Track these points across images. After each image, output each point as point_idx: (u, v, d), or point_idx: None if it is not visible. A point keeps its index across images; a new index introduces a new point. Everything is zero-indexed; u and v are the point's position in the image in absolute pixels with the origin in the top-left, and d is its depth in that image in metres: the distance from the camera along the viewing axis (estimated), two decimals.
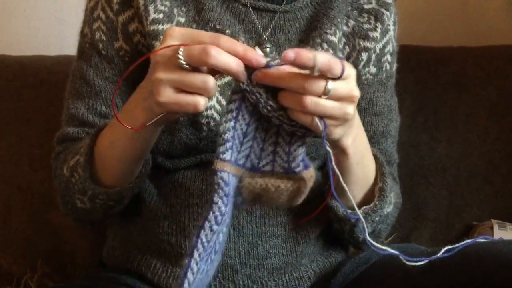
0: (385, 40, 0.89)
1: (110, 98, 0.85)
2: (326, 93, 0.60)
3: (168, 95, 0.62)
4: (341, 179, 0.64)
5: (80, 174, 0.79)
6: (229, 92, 0.63)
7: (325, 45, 0.83)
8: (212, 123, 0.81)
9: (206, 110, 0.80)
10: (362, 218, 0.67)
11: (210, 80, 0.62)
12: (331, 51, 0.84)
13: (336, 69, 0.59)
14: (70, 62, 0.91)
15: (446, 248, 0.68)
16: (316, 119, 0.61)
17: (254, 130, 0.63)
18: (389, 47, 0.90)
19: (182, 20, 0.82)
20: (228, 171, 0.61)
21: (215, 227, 0.59)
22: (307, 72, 0.59)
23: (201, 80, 0.61)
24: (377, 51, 0.88)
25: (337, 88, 0.61)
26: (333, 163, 0.62)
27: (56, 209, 0.90)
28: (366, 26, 0.87)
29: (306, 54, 0.58)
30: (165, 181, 0.84)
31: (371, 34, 0.87)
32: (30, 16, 1.37)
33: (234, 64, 0.60)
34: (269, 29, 0.84)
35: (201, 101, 0.62)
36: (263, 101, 0.61)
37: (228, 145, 0.61)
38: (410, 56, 1.25)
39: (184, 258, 0.59)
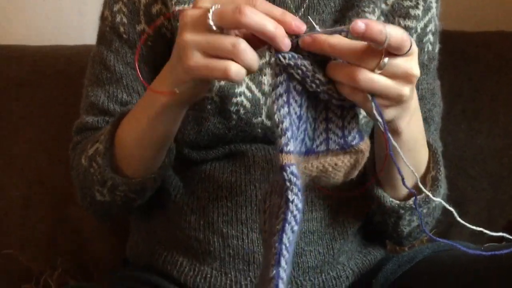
0: (427, 18, 0.84)
1: (132, 85, 0.81)
2: (380, 67, 0.55)
3: (196, 59, 0.57)
4: (406, 162, 0.58)
5: (99, 163, 0.74)
6: (271, 73, 0.57)
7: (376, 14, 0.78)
8: (242, 111, 0.76)
9: (236, 96, 0.75)
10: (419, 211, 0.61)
11: (241, 43, 0.56)
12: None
13: (406, 46, 0.54)
14: (89, 52, 0.87)
15: None
16: (368, 96, 0.56)
17: (306, 110, 0.59)
18: (431, 26, 0.85)
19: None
20: (295, 163, 0.55)
21: (296, 228, 0.54)
22: (364, 43, 0.55)
23: (230, 42, 0.56)
24: (419, 30, 0.83)
25: (395, 64, 0.55)
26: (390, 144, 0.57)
27: (77, 204, 0.87)
28: (407, 3, 0.81)
29: (377, 27, 0.52)
30: (192, 174, 0.80)
31: (412, 12, 0.81)
32: (48, 5, 1.35)
33: (271, 25, 0.55)
34: (302, 9, 0.80)
35: (231, 67, 0.56)
36: (310, 75, 0.56)
37: (289, 134, 0.55)
38: (446, 41, 1.20)
39: (267, 269, 0.53)
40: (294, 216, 0.54)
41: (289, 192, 0.54)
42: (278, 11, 0.55)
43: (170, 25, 0.78)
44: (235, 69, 0.56)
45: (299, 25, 0.55)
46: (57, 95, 1.14)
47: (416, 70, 0.57)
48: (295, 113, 0.57)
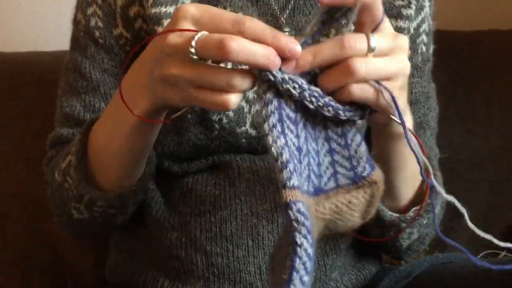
0: (420, 18, 0.80)
1: (110, 93, 0.77)
2: (372, 49, 0.52)
3: (184, 94, 0.53)
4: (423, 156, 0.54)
5: (73, 176, 0.70)
6: (254, 93, 0.53)
7: (352, 27, 0.73)
8: (224, 120, 0.72)
9: None
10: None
11: (236, 79, 0.51)
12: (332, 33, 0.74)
13: (380, 8, 0.52)
14: None
15: None
16: (376, 84, 0.52)
17: (305, 142, 0.52)
18: (425, 26, 0.81)
19: (188, 1, 0.72)
20: (302, 201, 0.48)
21: (306, 278, 0.46)
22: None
23: (223, 80, 0.51)
24: (412, 31, 0.79)
25: (381, 41, 0.53)
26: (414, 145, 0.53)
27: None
28: (399, 2, 0.78)
29: None
30: (172, 187, 0.76)
31: (404, 11, 0.77)
32: (27, 10, 1.32)
33: (261, 57, 0.50)
34: (287, 11, 0.76)
35: (231, 99, 0.51)
36: (306, 88, 0.51)
37: (291, 167, 0.48)
38: (438, 41, 1.17)
39: None
40: (304, 263, 0.45)
41: (297, 234, 0.46)
42: (268, 35, 0.50)
43: (149, 28, 0.74)
44: (236, 100, 0.52)
45: (293, 51, 0.50)
46: (35, 104, 1.10)
47: (401, 38, 0.54)
48: (293, 144, 0.51)
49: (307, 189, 0.52)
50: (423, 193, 0.68)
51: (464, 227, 1.19)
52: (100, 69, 0.77)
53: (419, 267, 0.75)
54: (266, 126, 0.50)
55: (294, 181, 0.48)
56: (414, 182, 0.70)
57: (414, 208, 0.70)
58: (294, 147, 0.51)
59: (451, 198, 0.56)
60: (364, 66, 0.51)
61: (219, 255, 0.71)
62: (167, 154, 0.75)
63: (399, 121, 0.53)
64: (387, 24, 0.54)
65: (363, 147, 0.54)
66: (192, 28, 0.51)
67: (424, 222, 0.73)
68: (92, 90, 0.77)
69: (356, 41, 0.52)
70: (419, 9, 0.79)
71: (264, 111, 0.50)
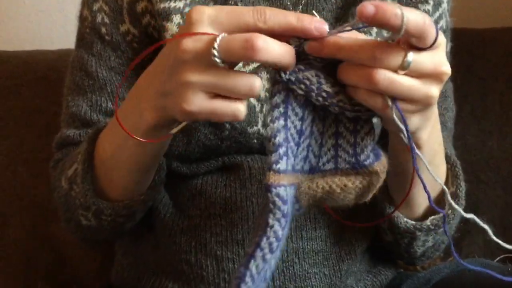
0: (437, 14, 0.77)
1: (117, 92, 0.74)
2: (404, 67, 0.47)
3: (199, 103, 0.50)
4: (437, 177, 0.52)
5: (79, 186, 0.67)
6: (267, 77, 0.52)
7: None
8: None
9: None
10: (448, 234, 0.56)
11: (257, 83, 0.49)
12: (375, 29, 0.71)
13: (431, 34, 0.46)
14: None
15: None
16: (389, 101, 0.48)
17: (311, 123, 0.52)
18: (442, 23, 0.78)
19: None
20: (286, 184, 0.49)
21: (268, 256, 0.49)
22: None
23: (247, 84, 0.49)
24: None
25: (421, 61, 0.48)
26: (416, 163, 0.50)
27: (59, 222, 0.81)
28: None
29: (391, 8, 0.44)
30: (181, 189, 0.73)
31: (421, 7, 0.75)
32: (31, 8, 1.30)
33: (287, 56, 0.48)
34: (300, 6, 0.73)
35: (241, 108, 0.50)
36: (315, 88, 0.49)
37: (282, 150, 0.49)
38: (451, 39, 1.15)
39: None
40: (270, 244, 0.48)
41: (270, 216, 0.49)
42: (293, 18, 0.48)
43: (158, 24, 0.72)
44: (244, 111, 0.50)
45: (320, 28, 0.47)
46: (39, 103, 1.08)
47: (446, 66, 0.50)
48: (294, 126, 0.50)
49: (301, 168, 0.52)
50: (441, 200, 0.66)
51: (477, 230, 1.17)
52: (106, 67, 0.75)
53: (438, 273, 0.72)
54: (269, 103, 0.50)
55: (281, 165, 0.49)
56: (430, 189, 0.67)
57: (432, 218, 0.67)
58: (295, 130, 0.51)
59: (470, 216, 0.54)
60: (387, 81, 0.47)
61: (230, 260, 0.69)
62: (175, 154, 0.72)
63: (407, 142, 0.51)
64: (440, 40, 0.48)
65: (372, 136, 0.52)
66: (210, 30, 0.49)
67: (440, 230, 0.70)
68: (98, 89, 0.75)
69: (389, 56, 0.47)
70: (437, 5, 0.77)
71: (271, 90, 0.50)
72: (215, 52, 0.47)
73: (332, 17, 0.73)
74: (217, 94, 0.50)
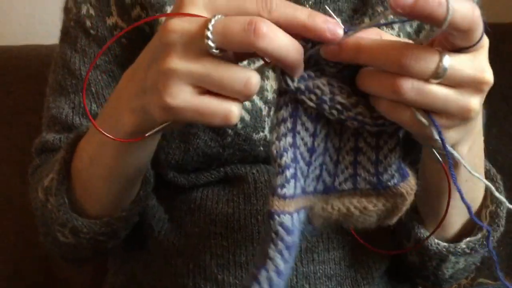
0: None
1: (103, 93, 0.69)
2: (438, 75, 0.40)
3: (184, 97, 0.42)
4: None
5: (53, 198, 0.62)
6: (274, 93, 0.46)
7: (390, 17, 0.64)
8: (239, 125, 0.64)
9: None
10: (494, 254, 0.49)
11: (254, 79, 0.42)
12: (398, 23, 0.65)
13: (479, 29, 0.39)
14: None
15: None
16: (419, 116, 0.41)
17: (324, 139, 0.46)
18: None
19: None
20: (293, 211, 0.44)
21: None
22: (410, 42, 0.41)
23: (242, 79, 0.42)
24: None
25: (459, 67, 0.41)
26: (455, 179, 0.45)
27: None
28: None
29: None
30: (178, 203, 0.68)
31: None
32: (25, 1, 1.28)
33: (294, 52, 0.41)
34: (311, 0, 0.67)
35: (234, 110, 0.43)
36: (327, 99, 0.43)
37: (289, 172, 0.44)
38: None
39: None
40: (269, 279, 0.44)
41: (271, 246, 0.44)
42: (303, 14, 0.41)
43: (149, 16, 0.66)
44: (238, 114, 0.43)
45: (333, 30, 0.41)
46: (31, 101, 1.04)
47: (488, 73, 0.42)
48: (304, 144, 0.45)
49: (313, 189, 0.48)
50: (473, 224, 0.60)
51: (505, 242, 1.11)
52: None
53: None
54: (274, 118, 0.45)
55: (288, 189, 0.44)
56: (465, 208, 0.60)
57: (467, 240, 0.61)
58: (305, 148, 0.46)
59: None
60: (415, 91, 0.41)
61: (232, 285, 0.64)
62: (172, 163, 0.67)
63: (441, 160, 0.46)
64: (484, 41, 0.41)
65: (397, 153, 0.47)
66: (204, 15, 0.42)
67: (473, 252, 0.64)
68: (82, 89, 0.69)
69: (420, 62, 0.40)
70: None
71: (276, 103, 0.45)
72: (209, 34, 0.40)
73: (348, 7, 0.67)
74: (206, 90, 0.43)
